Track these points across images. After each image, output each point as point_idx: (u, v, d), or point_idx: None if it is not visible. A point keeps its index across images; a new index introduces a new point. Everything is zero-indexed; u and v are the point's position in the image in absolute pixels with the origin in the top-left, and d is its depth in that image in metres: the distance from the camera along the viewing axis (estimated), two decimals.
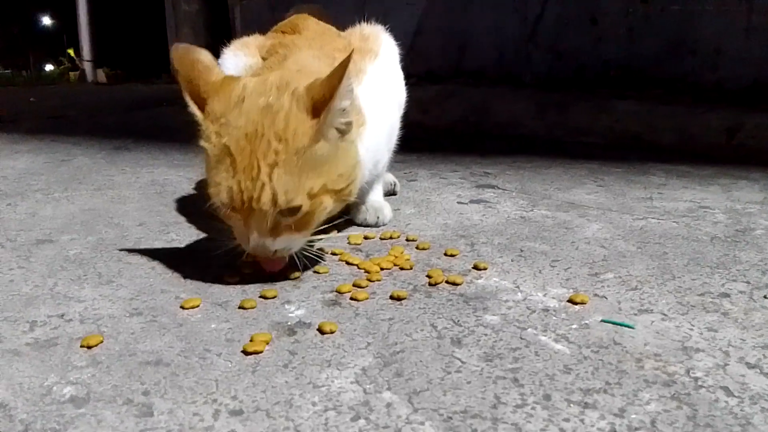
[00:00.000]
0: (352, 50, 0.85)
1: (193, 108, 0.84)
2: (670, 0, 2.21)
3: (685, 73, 2.21)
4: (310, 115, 0.81)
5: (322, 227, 0.90)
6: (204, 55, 0.87)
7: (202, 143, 0.84)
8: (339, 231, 1.12)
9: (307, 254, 0.89)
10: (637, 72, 2.32)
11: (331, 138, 0.84)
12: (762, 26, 2.03)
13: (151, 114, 3.25)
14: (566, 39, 2.51)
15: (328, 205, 0.85)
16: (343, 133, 0.86)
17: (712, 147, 1.91)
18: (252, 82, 0.86)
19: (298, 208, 0.81)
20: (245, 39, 1.18)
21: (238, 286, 0.86)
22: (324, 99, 0.80)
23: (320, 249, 0.97)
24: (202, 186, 1.54)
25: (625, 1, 2.32)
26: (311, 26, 1.20)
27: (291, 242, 0.84)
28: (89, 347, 0.68)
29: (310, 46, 1.09)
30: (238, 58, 1.13)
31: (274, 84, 0.85)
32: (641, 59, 2.30)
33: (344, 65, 0.79)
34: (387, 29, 1.23)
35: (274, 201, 0.78)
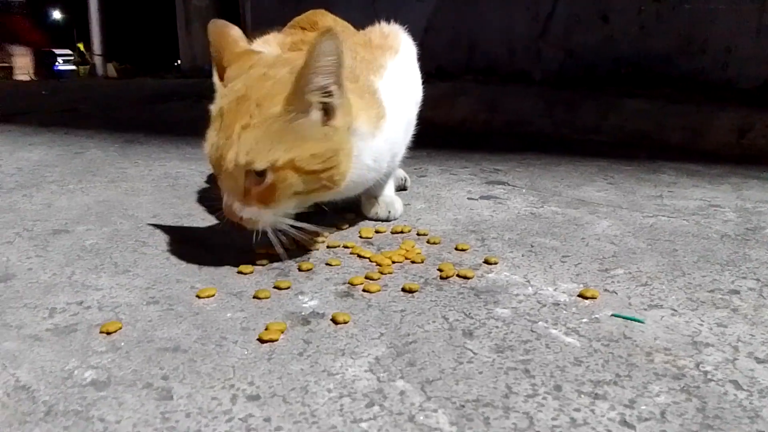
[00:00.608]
0: (327, 29, 0.82)
1: (215, 75, 0.89)
2: None
3: (695, 71, 2.21)
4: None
5: (302, 212, 0.92)
6: (235, 30, 0.92)
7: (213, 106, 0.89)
8: (350, 225, 1.13)
9: (287, 235, 0.89)
10: (648, 70, 2.31)
11: (313, 116, 0.85)
12: None
13: (161, 108, 3.27)
14: (577, 37, 2.51)
15: (294, 182, 0.85)
16: (327, 114, 0.87)
17: (723, 146, 1.91)
18: (267, 56, 0.89)
19: (262, 175, 0.83)
20: (268, 36, 1.20)
21: (252, 277, 0.88)
22: (306, 66, 0.82)
23: (304, 235, 0.93)
24: (211, 181, 1.55)
25: (637, 0, 2.32)
26: (330, 23, 1.21)
27: (259, 212, 0.86)
28: (108, 333, 0.70)
29: None
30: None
31: (285, 59, 0.89)
32: (652, 57, 2.30)
33: (317, 39, 0.80)
34: (405, 27, 1.24)
35: (236, 159, 0.81)
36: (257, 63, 0.90)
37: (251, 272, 0.89)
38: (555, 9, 2.55)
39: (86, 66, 9.65)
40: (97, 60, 8.88)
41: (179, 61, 7.46)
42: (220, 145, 0.83)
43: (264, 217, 0.87)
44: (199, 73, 5.98)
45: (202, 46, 6.90)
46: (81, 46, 11.02)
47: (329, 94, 0.85)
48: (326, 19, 1.22)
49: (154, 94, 4.04)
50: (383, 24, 1.22)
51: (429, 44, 2.93)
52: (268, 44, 1.17)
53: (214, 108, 0.89)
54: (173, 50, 7.43)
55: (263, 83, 0.85)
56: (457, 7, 2.92)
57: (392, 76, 1.07)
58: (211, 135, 0.86)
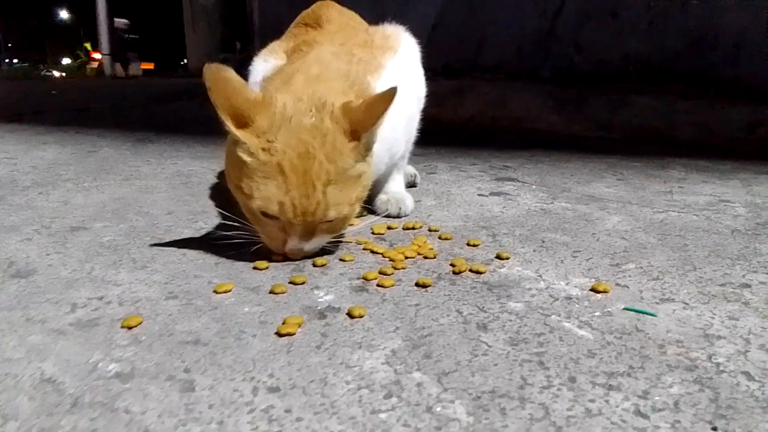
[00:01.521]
0: (394, 89, 0.89)
1: (230, 124, 0.86)
2: None
3: (705, 68, 2.20)
4: (349, 138, 0.89)
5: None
6: (233, 74, 0.89)
7: (244, 156, 0.86)
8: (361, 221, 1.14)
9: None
10: (658, 66, 2.31)
11: (365, 155, 0.92)
12: None
13: (171, 107, 3.29)
14: (586, 33, 2.51)
15: (358, 208, 0.95)
16: (369, 149, 0.93)
17: (732, 142, 1.91)
18: (290, 101, 0.89)
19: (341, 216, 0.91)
20: (273, 45, 1.22)
21: (268, 273, 0.89)
22: (363, 126, 0.89)
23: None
24: (223, 178, 1.57)
25: None
26: (334, 17, 1.22)
27: (321, 242, 0.94)
28: (130, 327, 0.71)
29: (332, 42, 1.12)
30: (268, 63, 1.16)
31: (311, 103, 0.89)
32: (661, 54, 2.30)
33: (388, 100, 0.87)
34: (407, 28, 1.25)
35: (326, 213, 0.88)
36: (290, 112, 0.88)
37: (266, 268, 0.91)
38: (563, 5, 2.55)
39: (93, 66, 9.71)
40: (105, 59, 8.95)
41: (185, 60, 7.50)
42: (300, 204, 0.86)
43: (322, 243, 0.94)
44: None
45: (209, 45, 6.94)
46: (88, 45, 11.09)
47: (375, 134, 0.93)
48: (331, 11, 1.23)
49: (162, 93, 4.07)
50: (386, 25, 1.24)
51: (437, 42, 2.94)
52: (275, 52, 1.19)
53: (255, 161, 0.86)
54: (180, 50, 7.48)
55: (322, 139, 0.87)
56: (465, 5, 2.93)
57: (390, 75, 1.08)
58: (276, 193, 0.86)
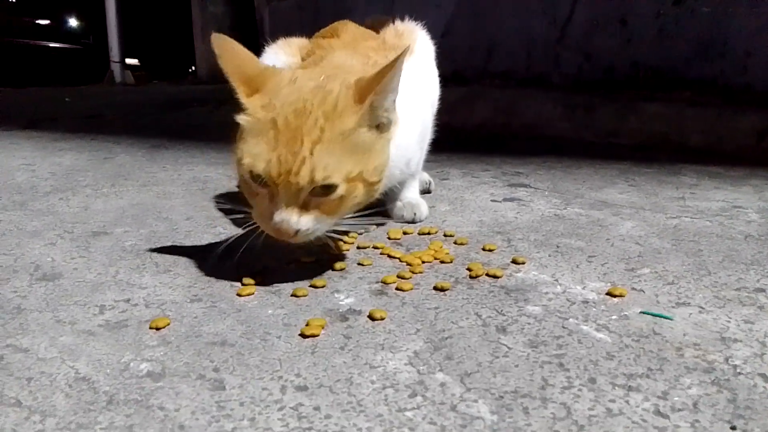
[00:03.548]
0: (407, 48, 0.87)
1: (239, 87, 0.85)
2: (701, 2, 2.21)
3: (714, 75, 2.21)
4: (354, 100, 0.84)
5: (348, 218, 0.91)
6: (242, 46, 0.90)
7: (240, 117, 0.84)
8: (378, 226, 1.16)
9: (329, 235, 0.90)
10: (667, 74, 2.32)
11: (373, 129, 0.87)
12: None
13: (183, 114, 3.32)
14: (595, 40, 2.52)
15: (359, 195, 0.87)
16: (382, 129, 0.89)
17: (742, 149, 1.92)
18: (302, 72, 0.90)
19: (333, 188, 0.82)
20: (289, 39, 1.22)
21: (289, 276, 0.91)
22: (369, 87, 0.84)
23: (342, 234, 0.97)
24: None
25: (656, 3, 2.33)
26: (350, 30, 1.24)
27: (316, 223, 0.84)
28: (158, 329, 0.73)
29: (345, 47, 1.13)
30: (278, 56, 1.15)
31: (323, 73, 0.89)
32: (671, 61, 2.31)
33: (397, 59, 0.82)
34: (423, 25, 1.25)
35: (312, 175, 0.79)
36: (299, 76, 0.88)
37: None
38: (573, 13, 2.57)
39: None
40: (115, 67, 9.02)
41: (193, 68, 7.57)
42: (285, 161, 0.79)
43: (322, 228, 0.86)
44: (216, 80, 6.07)
45: None
46: None
47: (388, 110, 0.88)
48: (348, 26, 1.25)
49: (174, 100, 4.11)
50: (398, 23, 1.22)
51: (447, 49, 2.96)
52: (289, 46, 1.18)
53: (250, 119, 0.84)
54: (189, 56, 7.54)
55: (323, 96, 0.84)
56: (475, 12, 2.95)
57: (405, 78, 1.07)
58: (264, 149, 0.81)
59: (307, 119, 0.81)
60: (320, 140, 0.80)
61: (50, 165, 1.81)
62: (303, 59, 1.16)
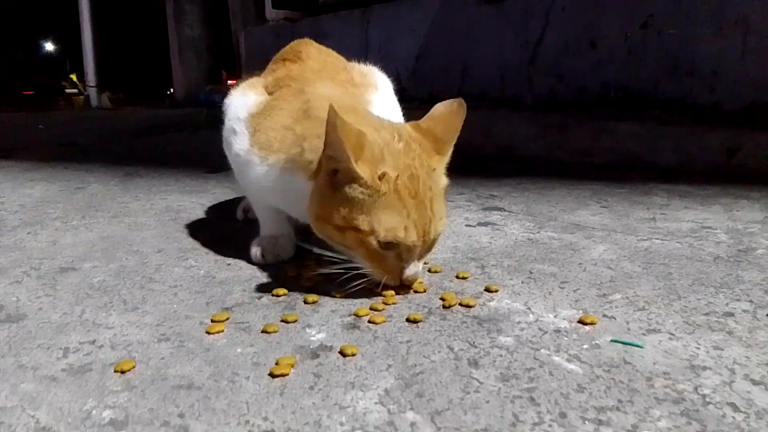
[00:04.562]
0: (462, 102, 1.00)
1: (351, 154, 0.86)
2: (668, 24, 2.26)
3: (683, 94, 2.26)
4: (435, 154, 0.96)
5: None
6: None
7: (358, 192, 0.89)
8: None
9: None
10: (637, 94, 2.37)
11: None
12: (757, 48, 2.09)
13: (159, 140, 3.30)
14: (566, 62, 2.57)
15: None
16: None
17: (712, 167, 1.95)
18: (370, 130, 0.92)
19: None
20: (251, 80, 1.23)
21: (260, 311, 0.90)
22: (446, 140, 0.97)
23: None
24: (212, 213, 1.58)
25: (623, 25, 2.38)
26: (313, 54, 1.24)
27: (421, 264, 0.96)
28: (123, 372, 0.71)
29: (321, 78, 1.13)
30: (248, 97, 1.16)
31: (387, 128, 0.94)
32: (640, 81, 2.36)
33: (461, 115, 0.98)
34: (379, 68, 1.28)
35: (437, 231, 0.93)
36: (381, 140, 0.91)
37: (264, 302, 0.91)
38: (544, 36, 2.61)
39: (80, 96, 9.71)
40: (91, 91, 8.96)
41: (171, 90, 7.56)
42: (420, 226, 0.90)
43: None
44: (193, 103, 6.05)
45: (195, 75, 6.99)
46: (74, 77, 11.10)
47: None
48: (310, 48, 1.25)
49: (150, 125, 4.08)
50: (360, 65, 1.26)
51: (421, 71, 3.00)
52: (254, 87, 1.19)
53: (373, 193, 0.88)
54: (166, 80, 7.52)
55: (419, 160, 0.92)
56: (448, 36, 2.99)
57: (376, 109, 1.10)
58: (398, 221, 0.88)
59: (419, 182, 0.90)
60: (432, 197, 0.92)
61: (20, 197, 1.78)
62: (271, 93, 1.15)
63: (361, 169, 0.88)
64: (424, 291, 0.97)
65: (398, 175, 0.89)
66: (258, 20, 4.93)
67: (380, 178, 0.88)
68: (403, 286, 0.95)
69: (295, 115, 1.03)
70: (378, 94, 1.16)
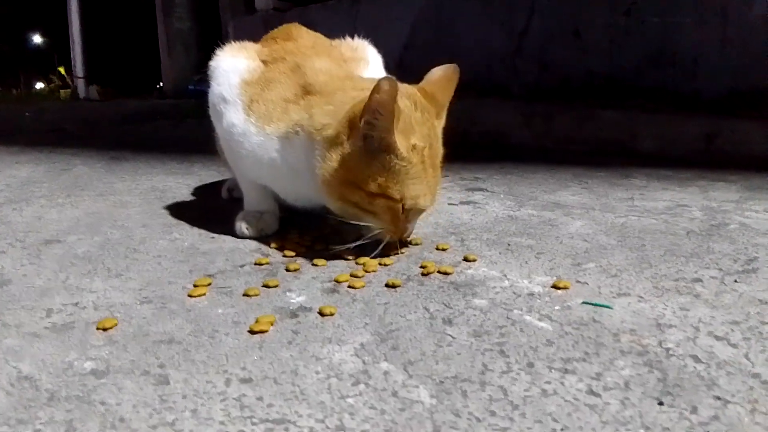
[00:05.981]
0: (455, 66, 1.07)
1: (398, 136, 0.92)
2: (650, 13, 2.30)
3: (665, 82, 2.29)
4: (437, 119, 1.01)
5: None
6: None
7: (398, 162, 0.92)
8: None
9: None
10: (620, 82, 2.40)
11: None
12: (737, 38, 2.12)
13: (147, 127, 3.30)
14: (551, 51, 2.60)
15: None
16: None
17: (692, 152, 1.99)
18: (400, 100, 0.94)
19: None
20: (243, 43, 1.21)
21: (241, 278, 0.91)
22: (443, 104, 1.03)
23: None
24: (200, 193, 1.59)
25: (606, 15, 2.41)
26: (303, 34, 1.25)
27: None
28: (105, 329, 0.73)
29: (317, 54, 1.14)
30: (238, 60, 1.14)
31: (405, 95, 0.96)
32: (623, 70, 2.39)
33: (455, 80, 1.05)
34: (369, 41, 1.29)
35: (439, 192, 1.01)
36: (405, 109, 0.95)
37: (247, 269, 0.93)
38: (529, 25, 2.64)
39: (67, 90, 9.64)
40: (79, 83, 8.89)
41: (161, 83, 7.52)
42: (433, 194, 0.98)
43: None
44: (182, 94, 6.03)
45: (184, 68, 6.96)
46: (62, 69, 11.00)
47: None
48: (301, 31, 1.26)
49: (138, 114, 4.07)
50: (349, 39, 1.27)
51: (408, 60, 3.01)
52: (246, 50, 1.18)
53: (406, 165, 0.93)
54: (155, 72, 7.48)
55: (432, 129, 0.98)
56: (434, 25, 3.01)
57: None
58: (421, 189, 0.95)
59: (435, 153, 0.98)
60: (439, 165, 1.00)
61: (5, 177, 1.78)
62: (264, 61, 1.15)
63: (399, 142, 0.91)
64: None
65: (425, 147, 0.94)
66: (247, 11, 4.92)
67: (412, 149, 0.93)
68: (403, 244, 1.03)
69: (296, 90, 1.04)
70: (369, 70, 1.17)
